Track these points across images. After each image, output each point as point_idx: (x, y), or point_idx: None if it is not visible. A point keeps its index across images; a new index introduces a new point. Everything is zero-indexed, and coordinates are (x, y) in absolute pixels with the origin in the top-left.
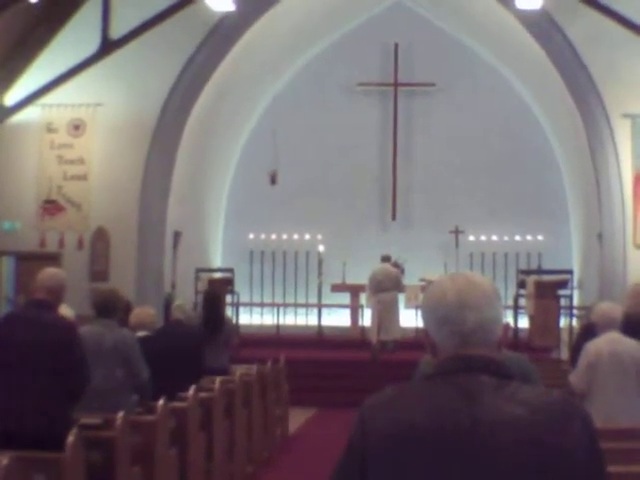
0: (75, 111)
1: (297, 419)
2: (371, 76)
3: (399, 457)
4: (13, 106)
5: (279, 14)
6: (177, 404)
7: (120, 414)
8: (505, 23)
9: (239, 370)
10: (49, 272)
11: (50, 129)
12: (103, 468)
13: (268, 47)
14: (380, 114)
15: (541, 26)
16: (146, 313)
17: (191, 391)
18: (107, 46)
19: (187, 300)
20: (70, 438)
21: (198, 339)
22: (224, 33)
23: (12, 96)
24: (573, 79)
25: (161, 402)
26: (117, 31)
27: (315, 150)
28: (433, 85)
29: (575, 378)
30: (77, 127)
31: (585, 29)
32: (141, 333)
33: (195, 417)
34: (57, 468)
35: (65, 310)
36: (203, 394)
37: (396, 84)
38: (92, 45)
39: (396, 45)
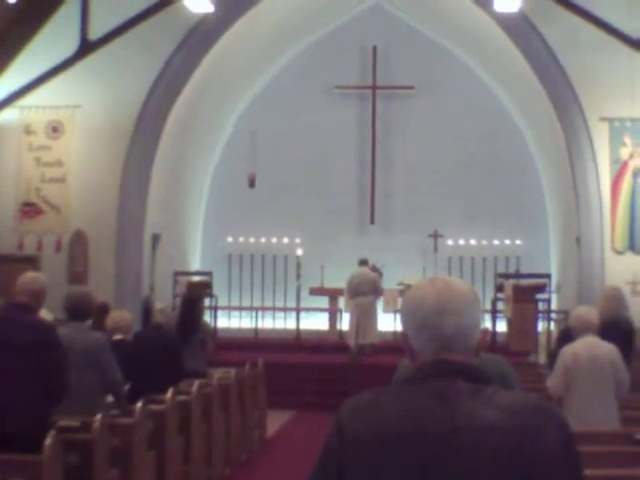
0: (53, 113)
1: (275, 422)
2: (349, 79)
3: (375, 461)
4: None
5: (257, 16)
6: (155, 407)
7: (98, 417)
8: (483, 26)
9: (217, 373)
10: (30, 276)
11: (28, 131)
12: (81, 470)
13: (246, 49)
14: (359, 117)
15: (519, 29)
16: (122, 317)
17: (169, 394)
18: (86, 47)
19: (166, 303)
20: (48, 440)
21: (176, 343)
22: (203, 35)
23: None
24: (551, 82)
25: (139, 405)
26: (96, 32)
27: (294, 153)
28: (412, 88)
29: (552, 382)
30: (55, 129)
31: (563, 32)
32: (117, 336)
33: (173, 420)
34: (35, 470)
35: (43, 313)
36: (181, 397)
37: (374, 87)
38: (70, 46)
39: (374, 47)
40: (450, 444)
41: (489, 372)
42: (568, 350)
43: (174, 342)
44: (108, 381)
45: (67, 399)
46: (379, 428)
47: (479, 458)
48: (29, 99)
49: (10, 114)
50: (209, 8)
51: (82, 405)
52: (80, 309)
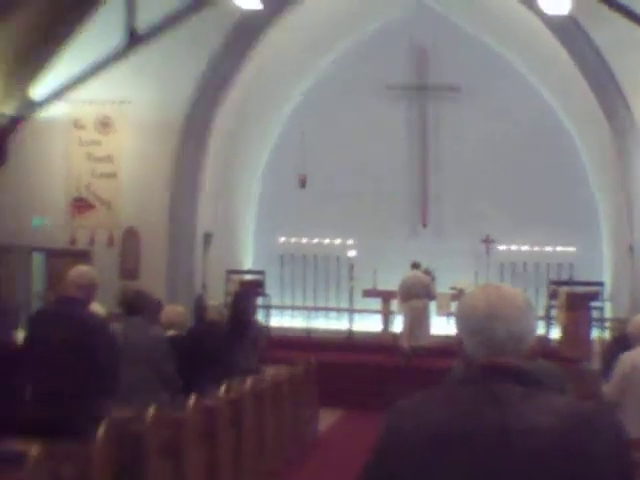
0: (102, 108)
1: (326, 420)
2: (399, 78)
3: (426, 460)
4: (40, 101)
5: (306, 10)
6: (208, 402)
7: (151, 409)
8: (533, 28)
9: (270, 371)
10: (81, 270)
11: (78, 125)
12: (132, 462)
13: (296, 44)
14: (408, 117)
15: (567, 31)
16: (176, 312)
17: (222, 389)
18: (133, 40)
19: (219, 301)
20: (100, 431)
21: (229, 340)
22: (250, 29)
23: (39, 91)
24: (600, 86)
25: (192, 399)
26: (143, 25)
27: (344, 154)
28: (459, 89)
29: (609, 388)
30: (105, 124)
31: (611, 34)
32: (171, 332)
33: (225, 415)
34: (86, 461)
35: (97, 307)
36: (233, 393)
37: (423, 88)
38: (118, 39)
39: (424, 47)
40: (501, 446)
41: (544, 378)
42: (627, 357)
43: (226, 339)
44: (163, 376)
45: (123, 393)
46: (430, 428)
47: (530, 460)
48: (78, 93)
49: (60, 108)
50: (257, 5)
51: (138, 399)
52: (137, 305)
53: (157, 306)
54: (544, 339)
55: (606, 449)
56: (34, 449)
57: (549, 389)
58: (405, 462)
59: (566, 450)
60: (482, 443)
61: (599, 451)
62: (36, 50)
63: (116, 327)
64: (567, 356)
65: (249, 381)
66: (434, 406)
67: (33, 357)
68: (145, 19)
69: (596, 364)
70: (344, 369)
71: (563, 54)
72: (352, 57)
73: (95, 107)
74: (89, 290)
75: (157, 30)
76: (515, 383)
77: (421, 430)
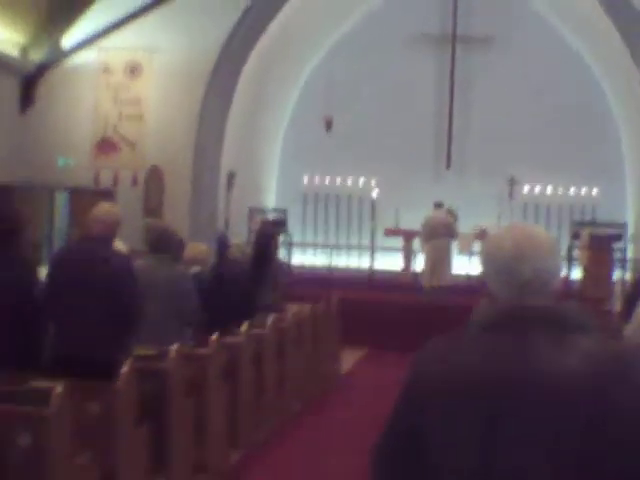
0: (132, 54)
1: (348, 359)
2: (429, 27)
3: (452, 405)
4: (70, 48)
5: None
6: (230, 339)
7: (174, 346)
8: None
9: (291, 308)
10: (104, 207)
11: (107, 70)
12: (156, 398)
13: None
14: (437, 64)
15: None
16: (199, 249)
17: (244, 327)
18: None
19: (241, 239)
20: (124, 368)
21: (251, 277)
22: None
23: (69, 39)
24: (631, 36)
25: (214, 336)
26: None
27: (371, 97)
28: (492, 38)
29: (630, 330)
30: (134, 70)
31: None
32: (194, 269)
33: (247, 352)
34: (110, 397)
35: (119, 245)
36: (256, 330)
37: (454, 36)
38: None
39: None
40: (531, 389)
41: (572, 318)
42: None
43: (248, 276)
44: (187, 312)
45: (147, 330)
46: (457, 373)
47: (558, 403)
48: (108, 40)
49: (89, 55)
50: None
51: (162, 336)
52: (162, 242)
53: (180, 244)
54: (566, 280)
55: (635, 390)
56: (58, 387)
57: (578, 330)
58: (432, 407)
59: (595, 392)
60: (510, 387)
61: (628, 392)
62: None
63: (140, 264)
64: (589, 296)
65: (271, 319)
66: (462, 351)
67: (56, 296)
68: None
69: (618, 305)
70: (365, 307)
71: (598, 9)
72: (384, 4)
73: (124, 54)
74: (112, 227)
75: None
76: (544, 326)
77: (448, 375)
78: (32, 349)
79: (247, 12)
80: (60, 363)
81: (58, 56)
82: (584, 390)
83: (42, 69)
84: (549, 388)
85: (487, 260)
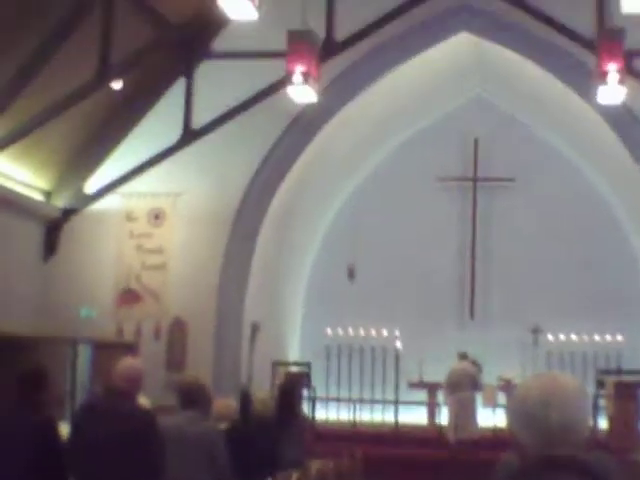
0: (155, 200)
1: None
2: (450, 170)
3: None
4: (93, 194)
5: (360, 106)
6: None
7: None
8: (586, 117)
9: (315, 464)
10: (128, 362)
11: (130, 218)
12: None
13: (348, 139)
14: (459, 209)
15: (622, 122)
16: (228, 406)
17: None
18: (188, 136)
19: (267, 393)
20: None
21: (275, 433)
22: (305, 124)
23: (93, 184)
24: None
25: None
26: (199, 120)
27: (393, 245)
28: (513, 180)
29: None
30: (157, 216)
31: None
32: (222, 425)
33: None
34: None
35: (142, 400)
36: None
37: (475, 179)
38: (173, 134)
39: (476, 139)
40: None
41: (599, 470)
42: None
43: (273, 432)
44: (218, 469)
45: None
46: None
47: None
48: (131, 186)
49: (112, 201)
50: (313, 98)
51: None
52: (194, 397)
53: (210, 399)
54: (593, 429)
55: None
56: None
57: None
58: None
59: None
60: None
61: None
62: (93, 145)
63: (170, 420)
64: (615, 447)
65: (295, 476)
66: None
67: (79, 453)
68: (201, 114)
69: None
70: (390, 462)
71: (618, 145)
72: (405, 149)
73: (148, 200)
74: (137, 382)
75: (213, 126)
76: (570, 475)
77: None
78: None
79: (270, 155)
80: None
81: (82, 202)
82: None
83: (66, 215)
84: None
85: (514, 410)
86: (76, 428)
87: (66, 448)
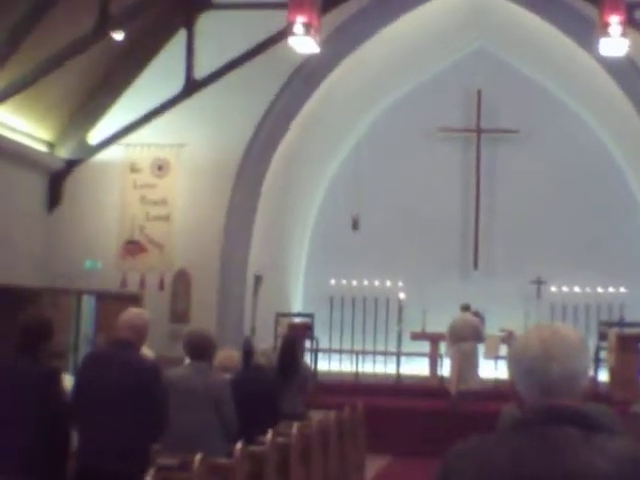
0: (159, 151)
1: (374, 466)
2: (453, 122)
3: None
4: (97, 145)
5: (362, 57)
6: (255, 448)
7: (198, 456)
8: (589, 69)
9: (317, 415)
10: (134, 312)
11: (134, 169)
12: None
13: (350, 90)
14: (462, 160)
15: (625, 73)
16: (231, 356)
17: (269, 435)
18: (191, 86)
19: (269, 344)
20: (147, 478)
21: (276, 385)
22: (307, 75)
23: (96, 135)
24: None
25: (239, 446)
26: (201, 71)
27: (397, 196)
28: (516, 132)
29: None
30: (161, 167)
31: None
32: (225, 376)
33: (272, 461)
34: None
35: (146, 350)
36: (280, 439)
37: (479, 130)
38: (176, 85)
39: (479, 91)
40: None
41: (600, 420)
42: None
43: (273, 384)
44: (226, 421)
45: (187, 441)
46: (488, 474)
47: None
48: (134, 137)
49: (116, 151)
50: (315, 49)
51: (200, 447)
52: (202, 350)
53: (215, 351)
54: (593, 381)
55: None
56: None
57: (605, 432)
58: None
59: None
60: None
61: None
62: (95, 96)
63: (178, 371)
64: (616, 398)
65: (296, 427)
66: (492, 452)
67: (82, 404)
68: (203, 65)
69: None
70: (392, 414)
71: (620, 95)
72: (408, 101)
73: (151, 150)
74: (142, 333)
75: (215, 76)
76: (572, 426)
77: (481, 474)
78: (55, 460)
79: (272, 106)
80: (84, 474)
81: (85, 152)
82: None
83: (69, 166)
84: None
85: (515, 361)
86: (81, 378)
87: (71, 398)
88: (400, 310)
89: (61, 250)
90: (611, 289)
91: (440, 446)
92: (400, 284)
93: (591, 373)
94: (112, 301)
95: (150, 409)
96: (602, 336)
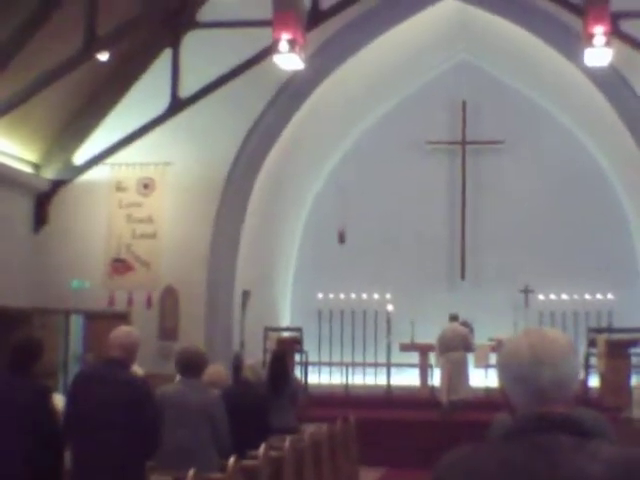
0: (144, 170)
1: (367, 479)
2: (439, 134)
3: None
4: (82, 165)
5: (347, 73)
6: (248, 462)
7: (191, 473)
8: (573, 80)
9: (309, 429)
10: (124, 330)
11: (119, 188)
12: None
13: (336, 106)
14: (448, 172)
15: (610, 83)
16: (219, 372)
17: (261, 449)
18: (176, 105)
19: (257, 359)
20: None
21: (264, 400)
22: (293, 92)
23: (81, 155)
24: None
25: (232, 460)
26: (186, 90)
27: (383, 209)
28: (502, 142)
29: None
30: (146, 186)
31: None
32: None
33: (265, 475)
34: None
35: (136, 368)
36: (273, 452)
37: (464, 142)
38: (161, 104)
39: (464, 102)
40: None
41: (591, 426)
42: None
43: (263, 399)
44: (220, 437)
45: (181, 457)
46: None
47: None
48: (120, 156)
49: (101, 171)
50: (299, 65)
51: (194, 463)
52: (194, 366)
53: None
54: (584, 387)
55: None
56: None
57: (597, 438)
58: None
59: None
60: None
61: None
62: (80, 117)
63: (170, 389)
64: (607, 404)
65: (288, 440)
66: (483, 460)
67: (77, 421)
68: (189, 84)
69: (637, 412)
70: (383, 426)
71: (606, 106)
72: (393, 115)
73: (137, 169)
74: (132, 351)
75: (200, 94)
76: (564, 433)
77: None
78: (49, 477)
79: (257, 123)
80: None
81: (71, 173)
82: None
83: (55, 186)
84: None
85: (504, 367)
86: (73, 397)
87: (63, 417)
88: (389, 322)
89: (48, 270)
90: (599, 296)
91: (433, 456)
92: (388, 296)
93: (582, 379)
94: (100, 320)
95: (143, 427)
96: (591, 343)
